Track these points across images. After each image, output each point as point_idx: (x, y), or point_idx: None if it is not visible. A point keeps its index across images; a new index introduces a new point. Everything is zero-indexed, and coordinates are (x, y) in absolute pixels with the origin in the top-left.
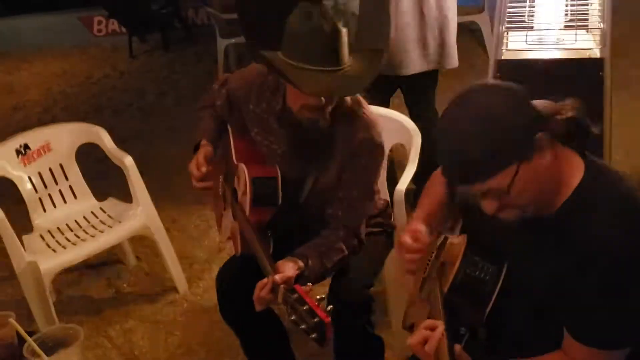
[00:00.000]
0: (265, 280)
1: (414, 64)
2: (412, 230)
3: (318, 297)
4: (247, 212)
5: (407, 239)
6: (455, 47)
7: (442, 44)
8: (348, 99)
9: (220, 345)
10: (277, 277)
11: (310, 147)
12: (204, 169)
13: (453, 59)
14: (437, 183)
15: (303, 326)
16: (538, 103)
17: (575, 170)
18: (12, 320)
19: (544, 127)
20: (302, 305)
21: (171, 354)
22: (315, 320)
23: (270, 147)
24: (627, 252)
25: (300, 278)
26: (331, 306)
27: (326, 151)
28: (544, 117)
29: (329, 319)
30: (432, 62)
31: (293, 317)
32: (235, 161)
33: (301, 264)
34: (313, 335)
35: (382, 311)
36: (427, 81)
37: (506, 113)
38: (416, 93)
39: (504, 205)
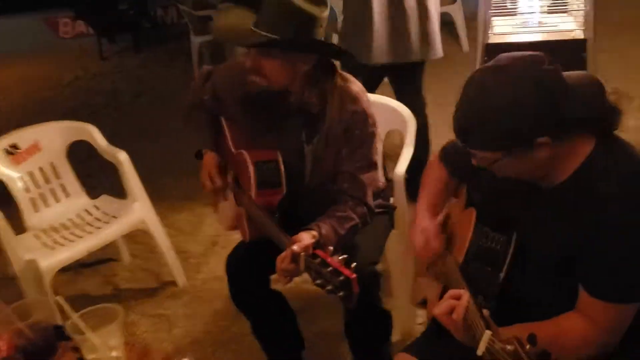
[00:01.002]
0: (284, 253)
1: (396, 54)
2: (421, 229)
3: (340, 257)
4: (254, 196)
5: (419, 242)
6: (438, 37)
7: (424, 35)
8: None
9: (226, 333)
10: (295, 246)
11: (280, 117)
12: (218, 182)
13: (435, 50)
14: (432, 174)
15: (329, 287)
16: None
17: (581, 152)
18: (59, 299)
19: (555, 131)
20: (325, 268)
21: (177, 345)
22: (341, 278)
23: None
24: (635, 213)
25: (316, 246)
26: (354, 263)
27: (318, 129)
28: (568, 115)
29: (354, 275)
30: (415, 53)
31: (319, 281)
32: (233, 149)
33: (315, 233)
34: (340, 294)
35: (385, 290)
36: (411, 72)
37: (514, 106)
38: (401, 83)
39: (497, 169)
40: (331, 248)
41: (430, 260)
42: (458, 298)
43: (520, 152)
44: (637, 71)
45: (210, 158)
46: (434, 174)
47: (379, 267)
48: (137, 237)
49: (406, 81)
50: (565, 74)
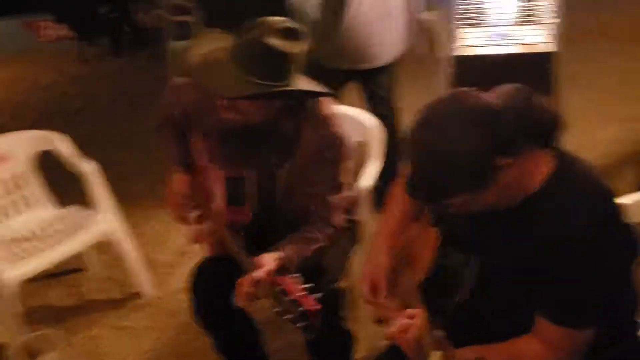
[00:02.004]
0: (245, 277)
1: (370, 58)
2: (369, 271)
3: (303, 286)
4: (222, 212)
5: (365, 289)
6: (398, 43)
7: (390, 38)
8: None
9: (189, 348)
10: (256, 272)
11: (253, 143)
12: (187, 208)
13: (389, 55)
14: (395, 201)
15: (289, 316)
16: (508, 108)
17: (543, 168)
18: None
19: (510, 148)
20: (286, 296)
21: (141, 359)
22: (301, 309)
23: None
24: (591, 235)
25: (280, 270)
26: (320, 294)
27: (291, 153)
28: (515, 130)
29: (316, 307)
30: (378, 58)
31: (278, 309)
32: (203, 163)
33: (278, 255)
34: (300, 324)
35: (350, 305)
36: (379, 76)
37: (462, 150)
38: (369, 88)
39: (465, 208)
40: (297, 275)
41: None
42: (412, 317)
43: (482, 187)
44: (614, 80)
45: (181, 178)
46: (397, 202)
47: (344, 282)
48: (105, 247)
49: (372, 86)
50: (493, 93)
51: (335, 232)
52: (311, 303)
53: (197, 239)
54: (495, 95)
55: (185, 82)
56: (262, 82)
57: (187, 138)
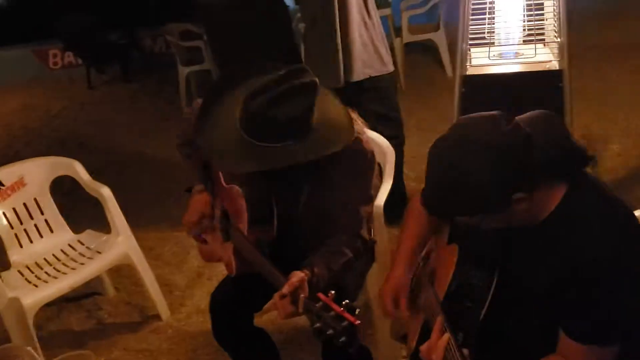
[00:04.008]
0: (282, 291)
1: (356, 72)
2: (391, 287)
3: (345, 302)
4: (245, 232)
5: (388, 305)
6: (380, 55)
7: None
8: None
9: None
10: (292, 285)
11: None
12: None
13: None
14: (413, 216)
15: (330, 332)
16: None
17: (557, 195)
18: (30, 349)
19: (528, 183)
20: (327, 312)
21: None
22: (345, 324)
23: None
24: (611, 256)
25: (310, 286)
26: (359, 309)
27: (317, 165)
28: (533, 171)
29: (359, 321)
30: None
31: (318, 325)
32: (224, 183)
33: (308, 272)
34: (342, 339)
35: (367, 323)
36: (364, 93)
37: (482, 179)
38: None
39: (478, 225)
40: (333, 292)
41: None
42: (438, 337)
43: (498, 212)
44: (621, 97)
45: (202, 198)
46: (416, 217)
47: (361, 300)
48: (122, 271)
49: (360, 102)
50: (524, 119)
51: (362, 245)
52: (352, 318)
53: (209, 258)
54: (526, 122)
55: None
56: (269, 145)
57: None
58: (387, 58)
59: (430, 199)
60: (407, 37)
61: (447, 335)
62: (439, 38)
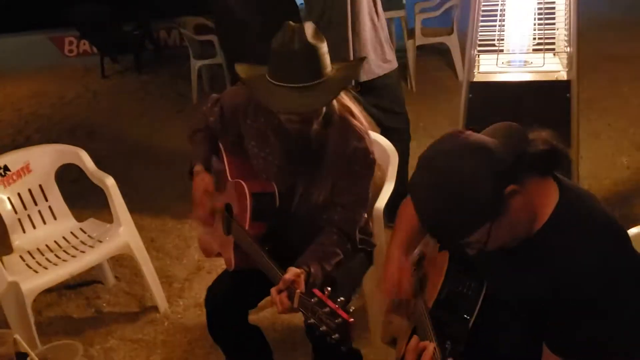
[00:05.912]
0: (279, 285)
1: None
2: (397, 267)
3: (340, 299)
4: (247, 227)
5: (392, 280)
6: (388, 53)
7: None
8: (335, 105)
9: None
10: (288, 279)
11: (305, 157)
12: (211, 203)
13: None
14: (408, 212)
15: (323, 328)
16: (507, 140)
17: (549, 198)
18: (17, 337)
19: (513, 176)
20: (322, 308)
21: None
22: (338, 321)
23: (266, 159)
24: (599, 273)
25: (307, 284)
26: (353, 307)
27: (316, 159)
28: (514, 161)
29: (352, 319)
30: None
31: (312, 320)
32: (229, 177)
33: (304, 271)
34: (335, 336)
35: (362, 327)
36: (372, 91)
37: (472, 180)
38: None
39: (483, 247)
40: (329, 289)
41: (396, 299)
42: (424, 348)
43: (498, 215)
44: (633, 110)
45: (206, 178)
46: (410, 213)
47: (357, 302)
48: (123, 261)
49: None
50: (485, 131)
51: (352, 247)
52: (346, 315)
53: (208, 253)
54: (489, 133)
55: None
56: (307, 84)
57: (218, 149)
58: (392, 55)
59: (433, 228)
60: (420, 40)
61: (432, 345)
62: (452, 42)
